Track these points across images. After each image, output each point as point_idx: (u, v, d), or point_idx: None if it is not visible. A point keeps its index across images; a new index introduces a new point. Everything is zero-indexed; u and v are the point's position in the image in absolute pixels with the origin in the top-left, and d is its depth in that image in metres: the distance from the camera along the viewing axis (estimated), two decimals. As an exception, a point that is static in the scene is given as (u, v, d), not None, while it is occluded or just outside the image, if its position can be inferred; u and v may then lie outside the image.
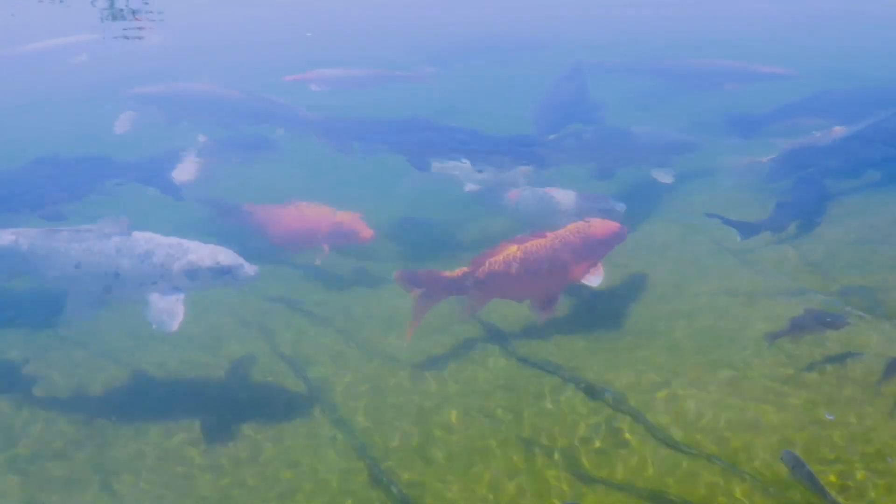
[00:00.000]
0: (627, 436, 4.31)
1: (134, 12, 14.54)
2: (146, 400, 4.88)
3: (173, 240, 5.00)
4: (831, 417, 4.42)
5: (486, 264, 5.02)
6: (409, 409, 4.66)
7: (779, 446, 4.10)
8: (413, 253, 6.49)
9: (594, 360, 4.95)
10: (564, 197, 6.40)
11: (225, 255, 4.93)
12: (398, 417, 4.60)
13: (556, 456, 4.22)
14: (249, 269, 4.93)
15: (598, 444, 4.28)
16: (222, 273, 4.90)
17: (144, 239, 5.00)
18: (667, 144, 7.04)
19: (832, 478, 3.91)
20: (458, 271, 5.03)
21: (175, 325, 4.70)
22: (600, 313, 5.45)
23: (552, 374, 4.84)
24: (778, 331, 4.86)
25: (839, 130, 7.17)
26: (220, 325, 5.59)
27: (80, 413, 4.77)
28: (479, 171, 6.92)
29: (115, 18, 14.27)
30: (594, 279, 5.08)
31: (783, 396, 4.49)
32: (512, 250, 5.00)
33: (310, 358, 5.18)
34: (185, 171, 7.45)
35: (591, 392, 4.66)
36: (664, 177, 6.59)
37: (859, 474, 3.93)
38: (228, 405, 4.80)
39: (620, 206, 6.14)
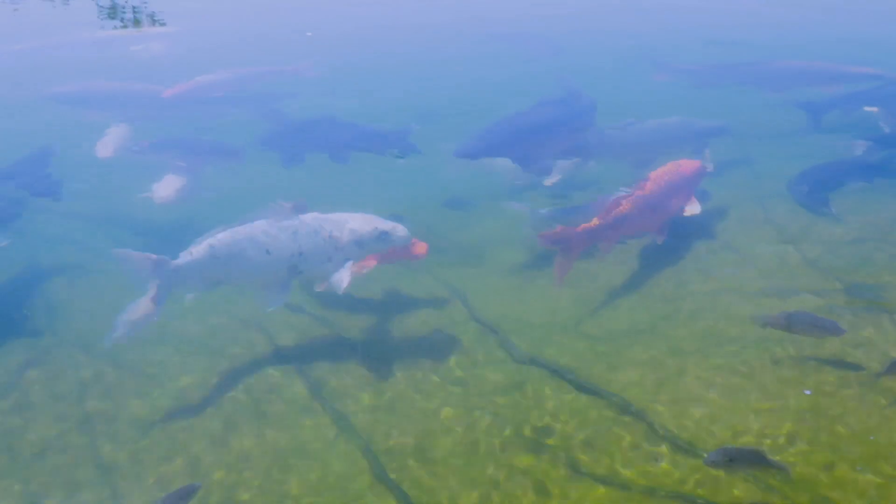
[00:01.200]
0: (629, 436, 4.31)
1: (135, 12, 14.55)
2: (147, 400, 4.88)
3: (333, 214, 5.16)
4: (808, 392, 4.56)
5: (614, 211, 5.70)
6: (409, 408, 4.66)
7: (779, 447, 4.11)
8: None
9: (595, 360, 4.95)
10: None
11: (379, 221, 5.14)
12: (399, 417, 4.60)
13: (558, 456, 4.22)
14: (402, 230, 5.14)
15: (599, 444, 4.28)
16: (382, 237, 5.09)
17: (311, 217, 5.15)
18: (700, 132, 7.12)
19: (832, 478, 3.91)
20: (593, 222, 5.65)
21: (343, 289, 4.95)
22: (601, 313, 5.45)
23: (553, 374, 4.84)
24: (769, 318, 4.86)
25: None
26: (220, 326, 5.59)
27: (81, 413, 4.77)
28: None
29: (114, 19, 14.29)
30: (695, 208, 6.11)
31: (784, 397, 4.49)
32: (629, 197, 5.81)
33: (310, 358, 5.18)
34: (166, 187, 7.21)
35: (593, 392, 4.66)
36: (706, 164, 6.65)
37: (860, 475, 3.93)
38: (229, 405, 4.80)
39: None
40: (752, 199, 6.96)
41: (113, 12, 14.58)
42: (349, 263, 5.03)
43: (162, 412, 4.76)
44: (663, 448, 4.21)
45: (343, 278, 4.96)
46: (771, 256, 6.00)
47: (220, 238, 4.99)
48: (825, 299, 5.34)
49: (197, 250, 4.94)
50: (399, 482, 4.14)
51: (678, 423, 4.37)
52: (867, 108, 8.27)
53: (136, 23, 14.11)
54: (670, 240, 6.33)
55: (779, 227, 6.44)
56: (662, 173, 6.03)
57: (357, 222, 5.11)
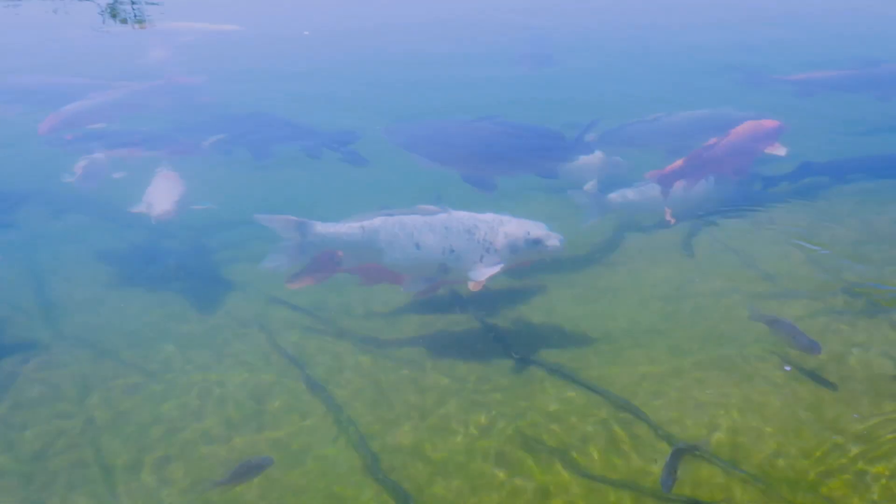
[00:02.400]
0: (629, 435, 4.32)
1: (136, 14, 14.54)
2: (147, 399, 4.88)
3: (488, 216, 5.17)
4: (788, 368, 4.67)
5: (699, 153, 6.59)
6: (409, 407, 4.67)
7: (780, 447, 4.11)
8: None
9: (596, 360, 4.95)
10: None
11: (535, 228, 5.12)
12: (399, 416, 4.61)
13: (557, 455, 4.22)
14: (555, 239, 5.10)
15: (599, 443, 4.28)
16: (535, 244, 5.08)
17: (466, 216, 5.17)
18: (730, 122, 7.17)
19: (836, 481, 3.91)
20: (678, 163, 6.48)
21: (484, 279, 5.01)
22: (601, 313, 5.45)
23: (554, 374, 4.84)
24: (760, 314, 4.92)
25: None
26: (222, 325, 5.59)
27: (82, 412, 4.78)
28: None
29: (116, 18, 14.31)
30: (779, 150, 6.83)
31: (784, 397, 4.49)
32: (713, 142, 6.67)
33: (311, 357, 5.18)
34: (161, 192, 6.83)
35: (593, 391, 4.66)
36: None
37: (859, 476, 3.94)
38: (230, 404, 4.81)
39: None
40: (751, 200, 6.97)
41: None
42: (500, 265, 5.04)
43: (163, 411, 4.77)
44: (663, 448, 4.21)
45: (486, 272, 4.98)
46: (771, 257, 6.00)
47: (372, 222, 5.10)
48: (825, 300, 5.35)
49: (346, 225, 5.12)
50: (398, 481, 4.15)
51: (677, 423, 4.37)
52: None
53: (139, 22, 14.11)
54: (670, 240, 6.34)
55: (779, 227, 6.44)
56: (741, 128, 6.78)
57: (511, 226, 5.11)
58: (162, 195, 6.67)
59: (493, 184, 6.56)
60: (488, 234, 5.07)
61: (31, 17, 14.84)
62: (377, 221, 5.13)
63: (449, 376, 4.91)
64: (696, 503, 3.87)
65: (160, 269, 6.35)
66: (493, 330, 5.34)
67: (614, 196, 6.64)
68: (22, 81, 9.92)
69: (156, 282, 6.13)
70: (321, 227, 5.10)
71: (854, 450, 4.08)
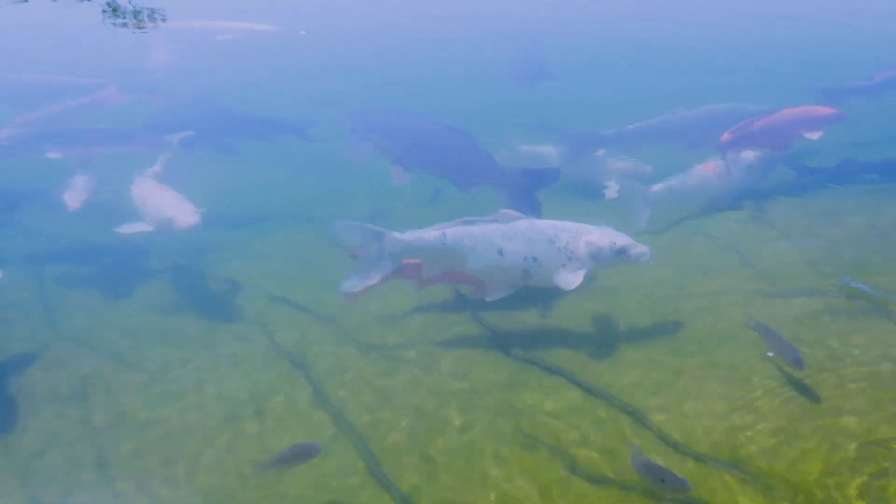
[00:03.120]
0: (628, 436, 4.31)
1: (136, 14, 14.54)
2: (147, 399, 4.88)
3: (570, 224, 5.16)
4: (770, 355, 4.73)
5: (744, 126, 6.91)
6: (409, 408, 4.66)
7: (778, 447, 4.11)
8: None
9: (595, 361, 4.95)
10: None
11: (618, 237, 5.11)
12: (398, 416, 4.60)
13: (557, 456, 4.22)
14: (641, 248, 5.07)
15: (598, 444, 4.28)
16: (620, 253, 5.06)
17: (547, 224, 5.17)
18: (749, 117, 7.31)
19: (835, 481, 3.91)
20: (726, 135, 6.81)
21: (572, 287, 4.97)
22: (601, 314, 5.45)
23: (553, 375, 4.84)
24: (753, 321, 4.92)
25: None
26: (221, 325, 5.60)
27: (81, 412, 4.78)
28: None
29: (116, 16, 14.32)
30: (815, 134, 7.02)
31: (783, 397, 4.49)
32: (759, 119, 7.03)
33: (311, 357, 5.18)
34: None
35: (591, 392, 4.66)
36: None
37: (859, 476, 3.93)
38: (229, 404, 4.81)
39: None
40: (752, 199, 6.97)
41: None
42: (583, 271, 5.02)
43: (161, 411, 4.77)
44: (661, 448, 4.21)
45: (574, 280, 4.95)
46: (771, 257, 5.99)
47: (454, 230, 5.12)
48: (824, 300, 5.34)
49: (426, 233, 5.13)
50: (397, 481, 4.14)
51: (676, 423, 4.36)
52: None
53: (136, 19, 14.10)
54: (670, 240, 6.34)
55: (779, 227, 6.44)
56: (791, 111, 7.10)
57: (595, 235, 5.08)
58: (173, 206, 6.25)
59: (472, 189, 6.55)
60: (570, 242, 5.04)
61: (35, 14, 14.88)
62: (459, 229, 5.12)
63: (448, 376, 4.91)
64: (695, 503, 3.88)
65: (159, 268, 6.35)
66: (493, 330, 5.33)
67: (658, 188, 6.75)
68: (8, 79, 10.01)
69: (155, 282, 6.13)
70: (401, 236, 5.10)
71: (853, 450, 4.08)
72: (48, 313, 5.71)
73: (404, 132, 7.15)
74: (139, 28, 13.59)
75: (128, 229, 6.19)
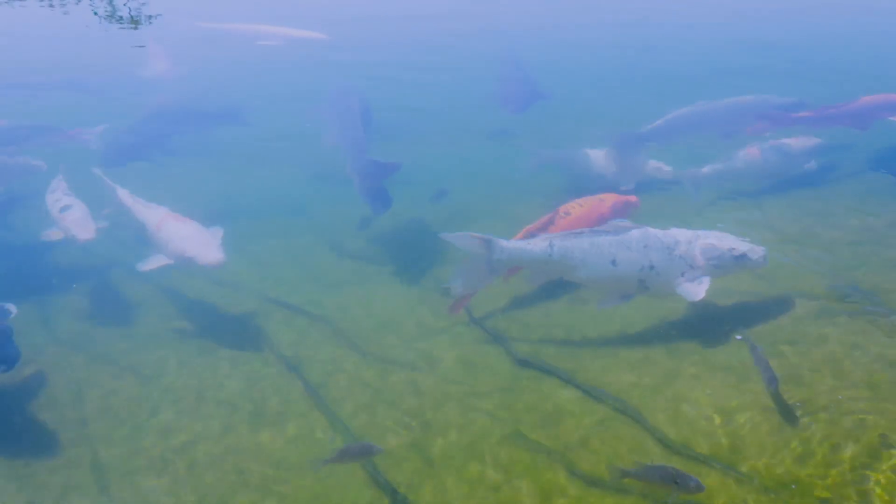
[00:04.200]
0: (627, 437, 4.31)
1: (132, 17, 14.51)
2: (143, 402, 4.87)
3: (684, 231, 5.17)
4: (739, 338, 4.81)
5: (823, 109, 7.35)
6: (408, 408, 4.66)
7: (777, 447, 4.10)
8: (409, 253, 6.48)
9: (594, 361, 4.95)
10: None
11: (735, 241, 5.14)
12: (397, 417, 4.60)
13: (556, 456, 4.22)
14: (759, 251, 5.12)
15: (597, 444, 4.28)
16: (740, 259, 5.08)
17: (661, 232, 5.16)
18: (775, 107, 7.71)
19: (833, 481, 3.91)
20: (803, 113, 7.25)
21: (698, 298, 4.94)
22: (599, 315, 5.44)
23: (551, 375, 4.83)
24: (745, 336, 4.85)
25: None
26: (218, 327, 5.59)
27: (78, 415, 4.77)
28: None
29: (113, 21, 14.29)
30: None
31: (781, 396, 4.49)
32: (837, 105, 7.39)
33: (308, 358, 5.17)
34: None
35: (590, 393, 4.65)
36: None
37: (858, 476, 3.93)
38: (227, 406, 4.80)
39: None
40: (750, 200, 6.98)
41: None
42: (706, 279, 4.99)
43: (158, 414, 4.76)
44: (659, 449, 4.20)
45: (698, 291, 4.93)
46: (770, 257, 5.98)
47: (561, 240, 5.08)
48: (822, 300, 5.35)
49: (533, 243, 5.13)
50: (396, 483, 4.14)
51: (674, 423, 4.36)
52: None
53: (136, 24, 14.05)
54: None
55: (776, 228, 6.45)
56: (878, 96, 7.40)
57: (711, 240, 5.09)
58: (196, 242, 5.74)
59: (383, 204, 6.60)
60: (688, 249, 5.04)
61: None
62: (567, 241, 5.09)
63: (448, 377, 4.90)
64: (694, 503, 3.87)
65: (155, 271, 6.33)
66: (491, 332, 5.33)
67: (707, 170, 7.05)
68: None
69: (150, 284, 6.12)
70: (507, 244, 5.09)
71: (851, 450, 4.08)
72: (43, 317, 5.69)
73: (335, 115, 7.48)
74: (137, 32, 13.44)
75: (148, 265, 5.77)
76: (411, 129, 8.90)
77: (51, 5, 15.46)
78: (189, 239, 5.74)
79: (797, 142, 7.24)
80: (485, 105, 9.13)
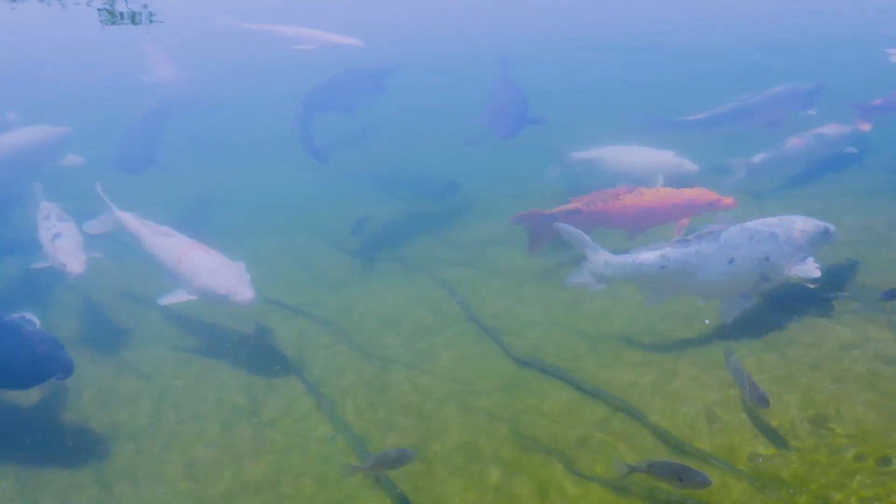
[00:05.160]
0: (627, 436, 4.31)
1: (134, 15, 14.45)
2: (143, 400, 4.88)
3: (770, 219, 5.26)
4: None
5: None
6: (407, 408, 4.67)
7: (777, 447, 4.11)
8: (410, 252, 6.49)
9: (594, 361, 4.95)
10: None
11: (812, 220, 5.29)
12: (396, 417, 4.60)
13: (555, 455, 4.22)
14: (833, 226, 5.30)
15: (596, 443, 4.28)
16: (826, 234, 5.28)
17: (758, 222, 5.20)
18: (806, 92, 8.27)
19: (832, 481, 3.92)
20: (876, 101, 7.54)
21: (819, 274, 5.06)
22: (599, 314, 5.45)
23: (551, 375, 4.84)
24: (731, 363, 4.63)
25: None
26: (218, 326, 5.59)
27: (78, 415, 4.77)
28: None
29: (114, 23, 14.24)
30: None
31: (779, 397, 4.49)
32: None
33: (309, 357, 5.18)
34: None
35: (589, 392, 4.66)
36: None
37: (857, 477, 3.94)
38: (227, 405, 4.80)
39: None
40: (749, 199, 6.98)
41: None
42: (811, 258, 5.09)
43: (158, 413, 4.76)
44: (659, 448, 4.21)
45: (814, 269, 5.04)
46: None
47: (672, 251, 4.99)
48: (821, 300, 5.35)
49: (642, 256, 5.02)
50: (396, 481, 4.14)
51: (674, 422, 4.37)
52: None
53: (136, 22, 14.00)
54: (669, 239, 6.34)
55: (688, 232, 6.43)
56: None
57: (801, 223, 5.21)
58: (224, 277, 5.29)
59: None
60: (788, 233, 5.10)
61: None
62: (679, 251, 5.00)
63: (447, 377, 4.91)
64: (692, 502, 3.87)
65: (154, 271, 6.33)
66: (490, 331, 5.33)
67: (758, 159, 7.22)
68: None
69: (150, 284, 6.12)
70: (613, 259, 5.02)
71: (851, 451, 4.09)
72: (43, 316, 5.68)
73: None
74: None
75: (170, 300, 5.37)
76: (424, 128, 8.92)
77: (63, 4, 15.37)
78: (217, 274, 5.26)
79: (834, 129, 7.61)
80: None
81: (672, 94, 9.84)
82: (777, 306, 5.30)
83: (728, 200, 6.05)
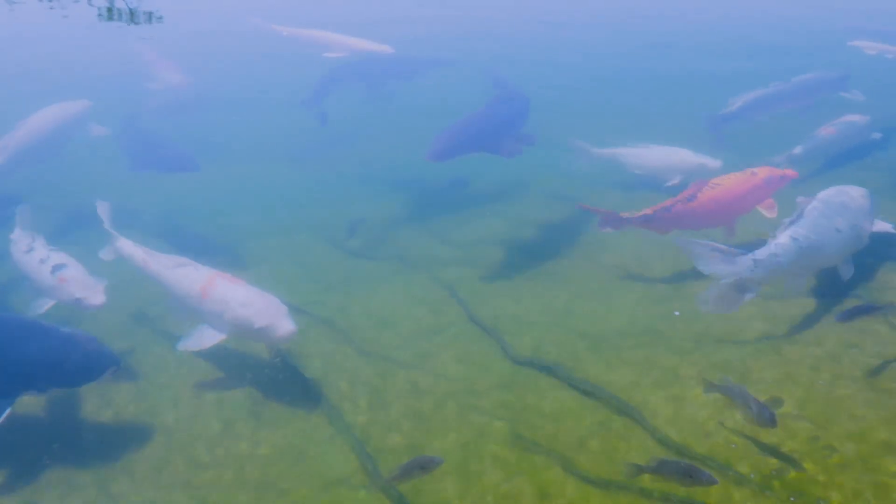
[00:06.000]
0: (626, 436, 4.31)
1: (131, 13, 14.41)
2: (143, 401, 4.87)
3: (830, 189, 5.57)
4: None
5: None
6: (407, 408, 4.66)
7: (775, 446, 4.11)
8: (410, 252, 6.48)
9: (594, 361, 4.94)
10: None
11: (859, 189, 5.63)
12: (395, 417, 4.60)
13: (555, 456, 4.22)
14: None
15: (596, 444, 4.28)
16: (870, 198, 5.62)
17: (828, 191, 5.50)
18: (832, 79, 9.03)
19: (830, 480, 3.91)
20: None
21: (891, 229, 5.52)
22: (599, 314, 5.45)
23: (550, 374, 4.84)
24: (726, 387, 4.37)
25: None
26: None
27: (77, 414, 4.77)
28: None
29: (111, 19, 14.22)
30: None
31: (778, 397, 4.49)
32: None
33: (308, 358, 5.17)
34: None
35: (589, 392, 4.66)
36: (855, 95, 8.89)
37: (856, 477, 3.94)
38: (227, 405, 4.80)
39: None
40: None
41: None
42: (878, 220, 5.53)
43: (158, 413, 4.76)
44: (659, 449, 4.21)
45: (888, 225, 5.54)
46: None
47: (795, 231, 5.12)
48: (820, 299, 5.35)
49: (780, 242, 5.06)
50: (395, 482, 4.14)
51: (674, 423, 4.36)
52: None
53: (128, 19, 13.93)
54: (666, 241, 6.33)
55: (775, 228, 6.44)
56: None
57: (854, 191, 5.57)
58: (262, 310, 4.79)
59: None
60: (855, 200, 5.47)
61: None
62: (796, 229, 5.10)
63: (447, 377, 4.91)
64: (692, 503, 3.88)
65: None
66: (490, 330, 5.33)
67: (798, 150, 7.49)
68: None
69: (149, 284, 6.12)
70: (760, 254, 4.93)
71: (850, 451, 4.08)
72: (43, 315, 5.68)
73: None
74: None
75: (194, 344, 4.85)
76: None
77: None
78: (253, 306, 4.75)
79: (860, 118, 8.06)
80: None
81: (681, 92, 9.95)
82: (777, 306, 5.30)
83: (792, 172, 6.24)
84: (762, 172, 6.10)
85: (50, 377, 4.48)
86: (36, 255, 5.47)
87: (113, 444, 4.54)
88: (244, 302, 4.78)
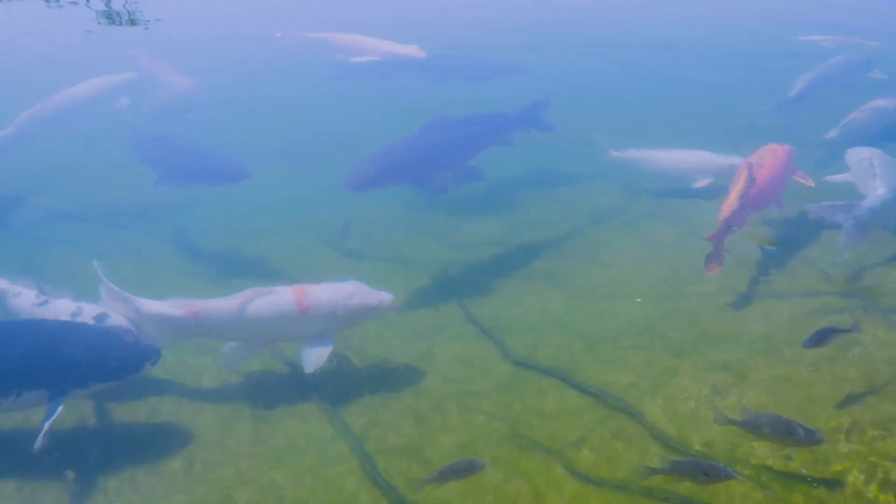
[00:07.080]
0: (625, 436, 4.31)
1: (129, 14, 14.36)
2: (142, 401, 4.87)
3: (864, 150, 6.35)
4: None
5: None
6: (406, 409, 4.67)
7: (775, 446, 4.11)
8: (410, 252, 6.48)
9: (593, 361, 4.95)
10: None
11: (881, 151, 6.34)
12: (395, 417, 4.60)
13: (554, 456, 4.22)
14: None
15: (596, 444, 4.28)
16: None
17: (854, 151, 6.35)
18: (857, 64, 9.68)
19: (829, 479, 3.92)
20: None
21: None
22: (598, 314, 5.45)
23: (549, 375, 4.84)
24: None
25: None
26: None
27: (76, 416, 4.77)
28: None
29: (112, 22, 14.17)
30: None
31: (779, 396, 4.50)
32: None
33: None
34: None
35: (588, 393, 4.66)
36: (879, 75, 9.59)
37: (855, 476, 3.94)
38: (227, 405, 4.80)
39: None
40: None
41: None
42: None
43: (157, 413, 4.76)
44: (658, 449, 4.21)
45: None
46: (767, 257, 6.00)
47: (883, 181, 5.83)
48: (819, 299, 5.36)
49: (878, 193, 5.69)
50: (394, 483, 4.14)
51: (673, 423, 4.37)
52: None
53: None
54: (665, 241, 6.35)
55: (775, 228, 6.45)
56: None
57: (878, 154, 6.22)
58: (361, 291, 4.92)
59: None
60: (873, 158, 6.18)
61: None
62: (884, 180, 5.89)
63: (446, 378, 4.91)
64: (692, 503, 3.87)
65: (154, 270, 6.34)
66: (488, 331, 5.33)
67: (832, 134, 7.88)
68: None
69: (149, 284, 6.12)
70: (867, 202, 5.77)
71: (849, 450, 4.09)
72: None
73: None
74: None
75: (317, 357, 4.71)
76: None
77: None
78: (356, 294, 4.86)
79: (888, 102, 8.46)
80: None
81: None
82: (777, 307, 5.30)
83: (785, 147, 6.51)
84: (774, 148, 6.34)
85: (96, 373, 4.49)
86: (40, 309, 4.99)
87: (112, 443, 4.54)
88: (347, 294, 4.87)
